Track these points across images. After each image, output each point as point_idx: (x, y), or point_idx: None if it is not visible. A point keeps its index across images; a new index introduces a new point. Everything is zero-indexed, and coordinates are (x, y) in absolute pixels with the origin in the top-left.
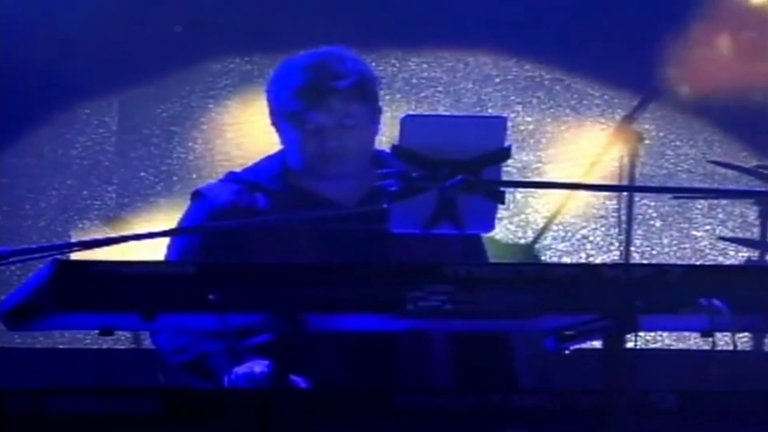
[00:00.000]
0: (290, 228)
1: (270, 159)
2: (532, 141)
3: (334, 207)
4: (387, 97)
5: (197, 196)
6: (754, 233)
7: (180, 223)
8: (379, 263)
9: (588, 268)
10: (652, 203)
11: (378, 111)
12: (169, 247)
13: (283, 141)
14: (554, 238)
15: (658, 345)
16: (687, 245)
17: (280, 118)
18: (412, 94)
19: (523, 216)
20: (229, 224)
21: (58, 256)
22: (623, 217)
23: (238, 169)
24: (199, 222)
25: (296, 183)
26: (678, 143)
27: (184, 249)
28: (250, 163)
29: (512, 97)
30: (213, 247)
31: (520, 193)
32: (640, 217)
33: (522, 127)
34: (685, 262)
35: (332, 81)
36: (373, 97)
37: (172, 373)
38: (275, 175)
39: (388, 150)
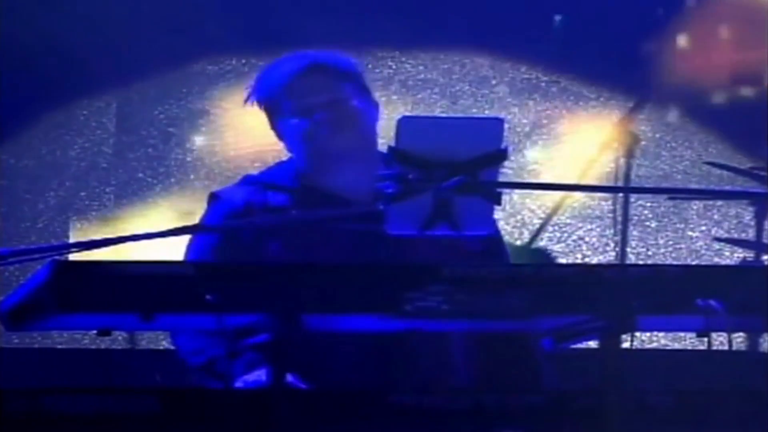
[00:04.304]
0: (301, 227)
1: (283, 164)
2: (528, 142)
3: (348, 204)
4: (383, 99)
5: (213, 198)
6: (750, 234)
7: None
8: (377, 263)
9: (584, 268)
10: (648, 204)
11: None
12: (187, 249)
13: (292, 140)
14: (550, 239)
15: (654, 345)
16: (683, 246)
17: (286, 108)
18: (408, 96)
19: (519, 217)
20: (234, 224)
21: (57, 257)
22: (619, 218)
23: (240, 171)
24: (215, 223)
25: (310, 183)
26: (674, 144)
27: (201, 249)
28: (247, 163)
29: (508, 99)
30: (228, 246)
31: (516, 194)
32: (636, 217)
33: (518, 129)
34: (680, 263)
35: (333, 62)
36: (367, 85)
37: (192, 374)
38: (290, 177)
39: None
